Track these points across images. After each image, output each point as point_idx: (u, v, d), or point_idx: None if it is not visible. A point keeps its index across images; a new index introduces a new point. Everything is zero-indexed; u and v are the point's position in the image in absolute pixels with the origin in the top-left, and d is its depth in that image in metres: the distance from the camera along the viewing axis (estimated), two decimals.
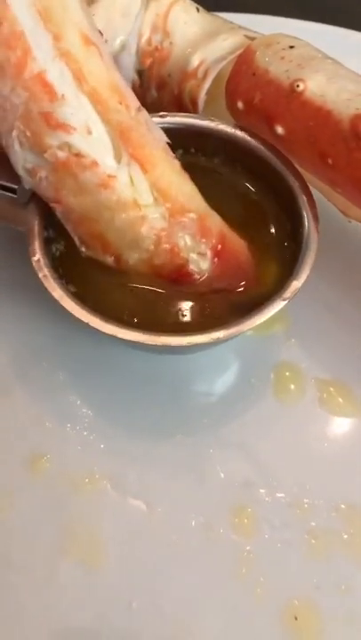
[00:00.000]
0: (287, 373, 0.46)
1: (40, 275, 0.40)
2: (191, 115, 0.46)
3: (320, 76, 0.40)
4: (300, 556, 0.40)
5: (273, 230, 0.44)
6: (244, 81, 0.43)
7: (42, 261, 0.40)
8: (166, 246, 0.40)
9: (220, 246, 0.41)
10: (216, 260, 0.41)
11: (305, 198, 0.42)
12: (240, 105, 0.43)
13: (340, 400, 0.45)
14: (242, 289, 0.42)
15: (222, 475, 0.42)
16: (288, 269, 0.41)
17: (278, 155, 0.44)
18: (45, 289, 0.39)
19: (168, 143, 0.40)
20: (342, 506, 0.41)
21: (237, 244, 0.42)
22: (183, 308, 0.42)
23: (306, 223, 0.42)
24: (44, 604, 0.39)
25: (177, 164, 0.40)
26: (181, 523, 0.41)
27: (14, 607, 0.39)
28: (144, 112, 0.39)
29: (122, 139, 0.37)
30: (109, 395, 0.45)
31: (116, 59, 0.46)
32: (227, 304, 0.42)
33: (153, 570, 0.40)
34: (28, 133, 0.36)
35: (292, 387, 0.45)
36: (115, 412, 0.45)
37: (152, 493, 0.42)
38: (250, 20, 0.49)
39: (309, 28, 0.57)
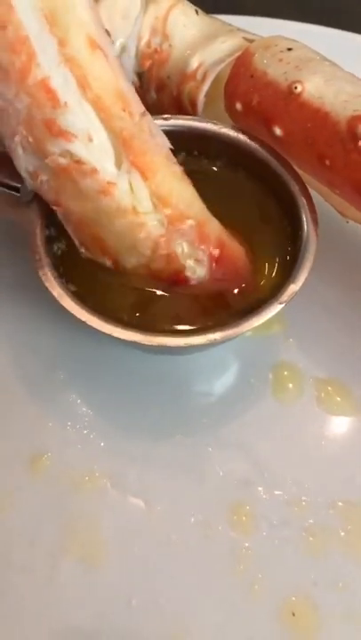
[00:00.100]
0: (286, 373, 0.46)
1: (40, 273, 0.40)
2: (194, 117, 0.46)
3: (318, 78, 0.40)
4: (298, 553, 0.40)
5: (273, 233, 0.44)
6: (243, 83, 0.43)
7: (43, 260, 0.40)
8: (164, 252, 0.39)
9: (218, 252, 0.41)
10: (214, 265, 0.41)
11: (305, 202, 0.42)
12: (239, 107, 0.43)
13: (338, 399, 0.45)
14: (240, 292, 0.42)
15: (221, 473, 0.43)
16: (287, 272, 0.41)
17: (279, 158, 0.44)
18: (45, 288, 0.40)
19: (170, 148, 0.40)
20: (340, 503, 0.41)
21: (236, 249, 0.42)
22: (181, 309, 0.42)
23: (305, 227, 0.42)
24: (45, 602, 0.39)
25: (178, 169, 0.40)
26: (180, 521, 0.41)
27: (14, 606, 0.39)
28: (148, 117, 0.38)
29: (124, 146, 0.37)
30: (109, 394, 0.45)
31: None
32: (224, 306, 0.42)
33: (152, 567, 0.40)
34: (31, 139, 0.36)
35: (291, 386, 0.45)
36: (115, 411, 0.45)
37: (151, 492, 0.42)
38: (248, 22, 0.50)
39: (307, 30, 0.57)
